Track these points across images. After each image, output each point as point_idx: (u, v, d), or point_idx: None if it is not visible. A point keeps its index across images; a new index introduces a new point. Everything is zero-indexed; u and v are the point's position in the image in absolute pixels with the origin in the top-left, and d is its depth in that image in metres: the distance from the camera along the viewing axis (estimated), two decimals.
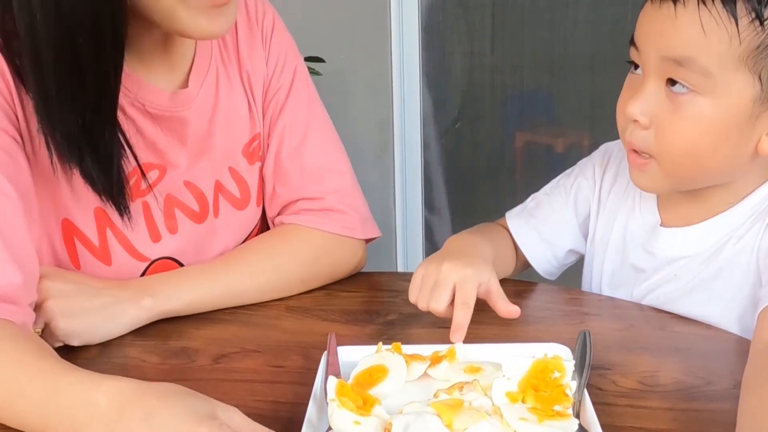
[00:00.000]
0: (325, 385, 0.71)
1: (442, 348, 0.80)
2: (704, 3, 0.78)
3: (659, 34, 0.82)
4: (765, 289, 0.78)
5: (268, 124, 1.04)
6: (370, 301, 1.00)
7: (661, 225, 0.95)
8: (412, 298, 0.88)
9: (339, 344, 0.82)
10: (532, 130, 2.68)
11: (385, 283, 1.04)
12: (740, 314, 0.85)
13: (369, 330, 0.91)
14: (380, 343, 0.79)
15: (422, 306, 0.87)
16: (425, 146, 2.49)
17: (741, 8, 0.77)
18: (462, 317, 0.83)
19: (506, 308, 0.87)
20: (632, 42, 0.86)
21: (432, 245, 2.52)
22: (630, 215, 0.99)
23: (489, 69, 2.66)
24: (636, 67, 0.86)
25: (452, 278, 0.85)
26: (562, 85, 2.56)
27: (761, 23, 0.77)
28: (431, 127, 2.55)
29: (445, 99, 2.62)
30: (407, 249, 2.50)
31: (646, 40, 0.83)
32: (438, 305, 0.85)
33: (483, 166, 2.69)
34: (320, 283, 1.02)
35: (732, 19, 0.77)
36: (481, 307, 0.87)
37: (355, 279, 1.06)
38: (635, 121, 0.84)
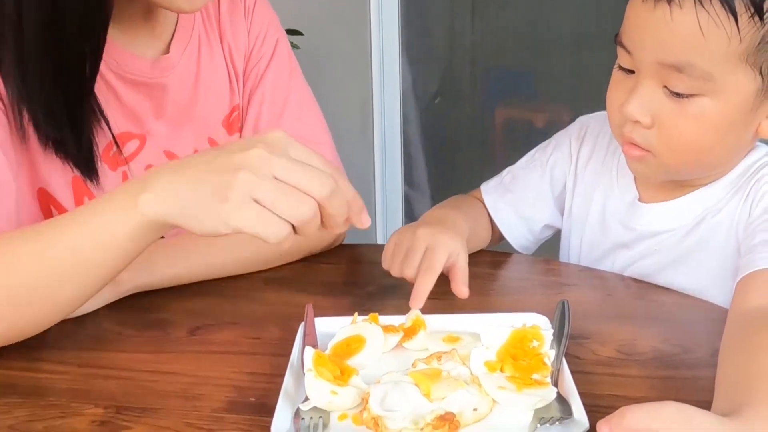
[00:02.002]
0: (302, 356, 0.70)
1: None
2: (701, 3, 0.75)
3: (654, 40, 0.79)
4: (744, 259, 0.78)
5: (247, 93, 1.03)
6: (349, 273, 0.99)
7: (640, 200, 0.95)
8: (385, 265, 0.87)
9: (317, 315, 0.81)
10: (512, 107, 2.68)
11: (365, 256, 1.04)
12: (720, 286, 0.85)
13: (347, 301, 0.90)
14: (356, 314, 0.78)
15: (395, 272, 0.86)
16: (405, 122, 2.48)
17: (739, 5, 0.75)
18: (424, 283, 0.80)
19: (459, 287, 0.83)
20: (619, 42, 0.83)
21: (412, 221, 2.50)
22: (608, 191, 0.99)
23: (469, 45, 2.65)
24: (624, 68, 0.84)
25: (424, 244, 0.84)
26: (543, 62, 2.55)
27: (761, 18, 0.75)
28: (411, 103, 2.53)
29: (425, 75, 2.61)
30: (387, 225, 2.49)
31: (640, 46, 0.80)
32: (410, 270, 0.83)
33: (463, 142, 2.68)
34: (300, 255, 1.01)
35: (731, 18, 0.75)
36: None
37: (334, 251, 1.05)
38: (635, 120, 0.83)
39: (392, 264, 0.86)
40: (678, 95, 0.79)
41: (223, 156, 0.68)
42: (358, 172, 2.39)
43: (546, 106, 2.60)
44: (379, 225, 2.49)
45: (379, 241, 2.49)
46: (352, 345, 0.74)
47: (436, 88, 2.69)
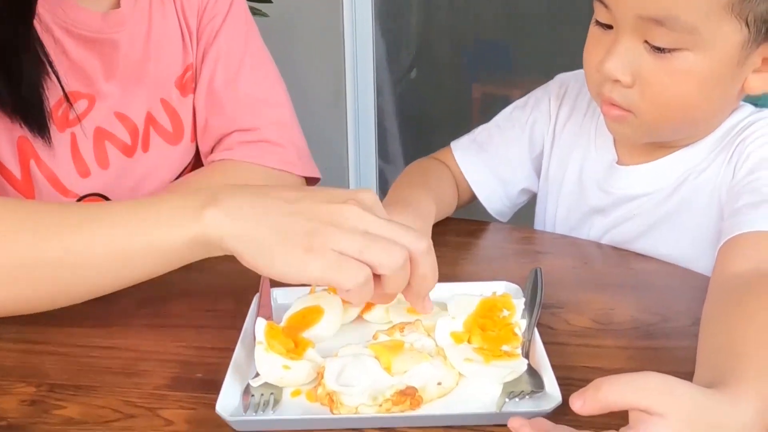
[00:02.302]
0: (254, 328, 0.65)
1: None
2: None
3: None
4: (726, 223, 0.73)
5: (201, 51, 0.97)
6: None
7: (618, 163, 0.90)
8: None
9: (275, 287, 0.76)
10: (489, 81, 2.62)
11: None
12: (702, 251, 0.81)
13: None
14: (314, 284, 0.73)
15: None
16: (379, 93, 2.42)
17: None
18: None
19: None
20: None
21: (385, 194, 2.46)
22: (585, 152, 0.94)
23: (445, 16, 2.59)
24: (601, 23, 0.78)
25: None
26: (521, 35, 2.50)
27: None
28: (385, 74, 2.47)
29: (399, 45, 2.55)
30: None
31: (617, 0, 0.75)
32: None
33: (438, 115, 2.63)
34: None
35: None
36: None
37: None
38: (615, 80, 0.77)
39: None
40: (660, 50, 0.74)
41: (311, 201, 0.62)
42: (331, 144, 2.33)
43: (524, 80, 2.55)
44: None
45: None
46: (308, 316, 0.69)
47: (411, 59, 2.63)
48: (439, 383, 0.60)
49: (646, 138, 0.84)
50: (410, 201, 0.83)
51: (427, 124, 2.62)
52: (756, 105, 0.84)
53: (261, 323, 0.64)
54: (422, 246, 0.62)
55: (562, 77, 1.01)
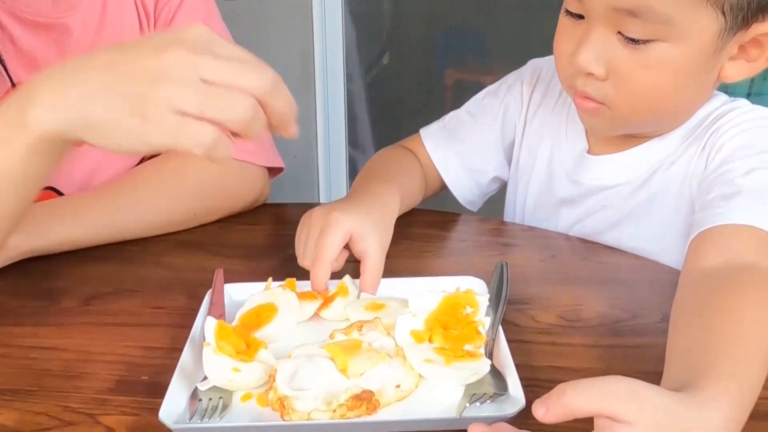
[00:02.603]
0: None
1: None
2: None
3: None
4: (697, 216, 0.71)
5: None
6: (271, 235, 0.90)
7: (589, 152, 0.87)
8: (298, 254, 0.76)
9: (230, 281, 0.73)
10: (462, 67, 2.59)
11: (290, 216, 0.94)
12: (673, 244, 0.78)
13: (265, 266, 0.81)
14: (270, 279, 0.70)
15: (299, 262, 0.74)
16: (349, 79, 2.37)
17: None
18: (316, 276, 0.69)
19: (365, 283, 0.70)
20: None
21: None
22: (556, 141, 0.91)
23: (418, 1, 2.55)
24: (572, 13, 0.75)
25: (318, 225, 0.72)
26: (495, 20, 2.46)
27: None
28: (355, 59, 2.42)
29: (370, 30, 2.50)
30: (330, 187, 2.40)
31: None
32: (304, 259, 0.73)
33: (411, 102, 2.59)
34: (215, 216, 0.92)
35: None
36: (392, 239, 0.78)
37: (255, 211, 0.95)
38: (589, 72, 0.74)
39: (297, 254, 0.76)
40: (634, 42, 0.71)
41: (134, 58, 0.55)
42: (300, 131, 2.28)
43: (498, 67, 2.51)
44: (322, 187, 2.39)
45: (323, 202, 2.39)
46: (262, 315, 0.66)
47: (383, 45, 2.59)
48: (398, 386, 0.57)
49: (620, 130, 0.81)
50: (373, 194, 0.79)
51: (398, 111, 2.57)
52: (727, 92, 0.82)
53: (210, 323, 0.61)
54: (266, 84, 0.55)
55: (535, 62, 0.97)
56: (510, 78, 0.98)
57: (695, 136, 0.79)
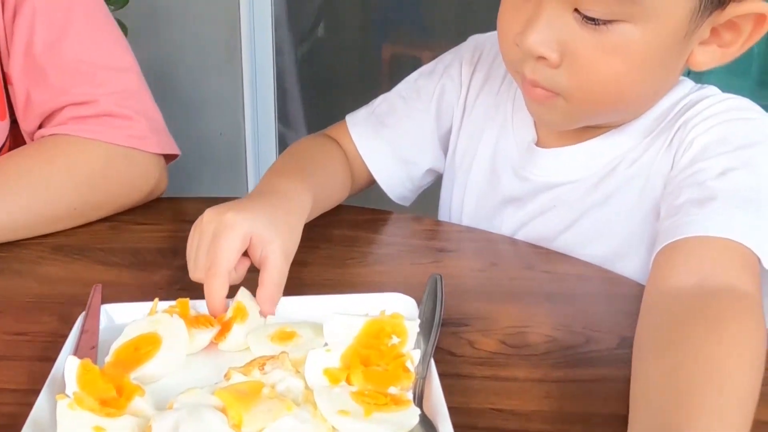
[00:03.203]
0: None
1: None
2: None
3: None
4: (665, 224, 0.61)
5: (11, 9, 0.77)
6: (170, 237, 0.77)
7: (538, 144, 0.77)
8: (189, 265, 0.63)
9: (112, 299, 0.60)
10: (401, 41, 2.48)
11: (191, 213, 0.79)
12: (632, 250, 0.69)
13: (159, 277, 0.69)
14: (156, 301, 0.57)
15: (191, 275, 0.62)
16: (278, 52, 2.23)
17: None
18: (211, 291, 0.58)
19: (262, 301, 0.59)
20: None
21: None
22: (501, 130, 0.80)
23: None
24: None
25: (211, 231, 0.60)
26: None
27: None
28: (285, 30, 2.28)
29: (301, 1, 2.36)
30: (259, 167, 2.26)
31: None
32: (195, 271, 0.61)
33: (345, 77, 2.47)
34: (102, 211, 0.79)
35: None
36: (309, 243, 0.67)
37: (151, 207, 0.82)
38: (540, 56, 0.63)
39: (189, 266, 0.62)
40: (593, 22, 0.60)
41: None
42: (226, 107, 2.14)
43: (439, 41, 2.41)
44: (251, 168, 2.25)
45: (251, 188, 2.25)
46: (142, 348, 0.54)
47: (315, 16, 2.45)
48: None
49: (576, 123, 0.70)
50: (278, 192, 0.67)
51: (332, 87, 2.45)
52: (688, 75, 0.72)
53: (72, 363, 0.48)
54: None
55: (476, 38, 0.86)
56: (447, 57, 0.87)
57: (660, 129, 0.69)
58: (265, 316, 0.58)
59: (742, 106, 0.67)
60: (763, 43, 0.85)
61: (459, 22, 2.34)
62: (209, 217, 0.61)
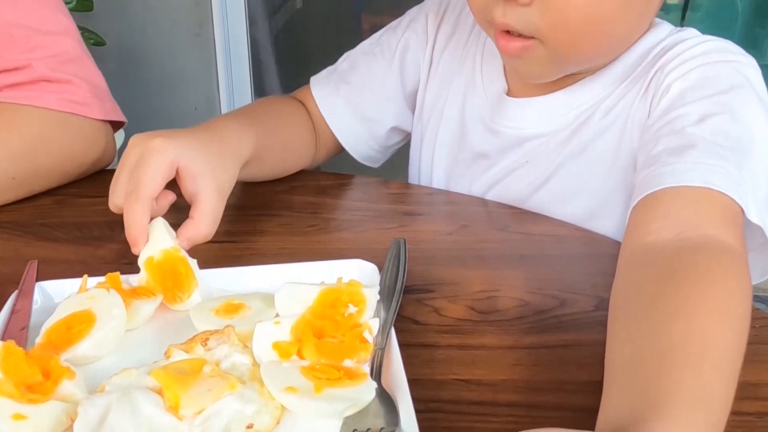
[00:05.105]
0: None
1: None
2: None
3: None
4: (641, 175, 0.56)
5: None
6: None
7: (509, 94, 0.72)
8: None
9: (56, 275, 0.55)
10: (379, 11, 2.41)
11: None
12: (609, 207, 0.65)
13: (106, 251, 0.64)
14: (85, 276, 0.53)
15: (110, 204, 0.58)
16: (252, 22, 2.16)
17: None
18: (130, 216, 0.54)
19: (193, 227, 0.56)
20: None
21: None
22: (469, 81, 0.76)
23: None
24: None
25: (135, 156, 0.56)
26: None
27: None
28: (259, 1, 2.21)
29: None
30: None
31: None
32: (114, 197, 0.57)
33: (323, 49, 2.40)
34: (44, 182, 0.74)
35: None
36: (267, 210, 0.62)
37: (102, 179, 0.77)
38: None
39: (109, 197, 0.58)
40: None
41: None
42: (198, 80, 2.08)
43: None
44: None
45: None
46: (75, 327, 0.49)
47: None
48: (250, 426, 0.42)
49: (557, 72, 0.65)
50: (218, 129, 0.63)
51: (309, 59, 2.39)
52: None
53: None
54: None
55: None
56: (413, 10, 0.82)
57: (636, 75, 0.64)
58: (197, 240, 0.55)
59: (723, 48, 0.62)
60: None
61: None
62: (135, 141, 0.56)
